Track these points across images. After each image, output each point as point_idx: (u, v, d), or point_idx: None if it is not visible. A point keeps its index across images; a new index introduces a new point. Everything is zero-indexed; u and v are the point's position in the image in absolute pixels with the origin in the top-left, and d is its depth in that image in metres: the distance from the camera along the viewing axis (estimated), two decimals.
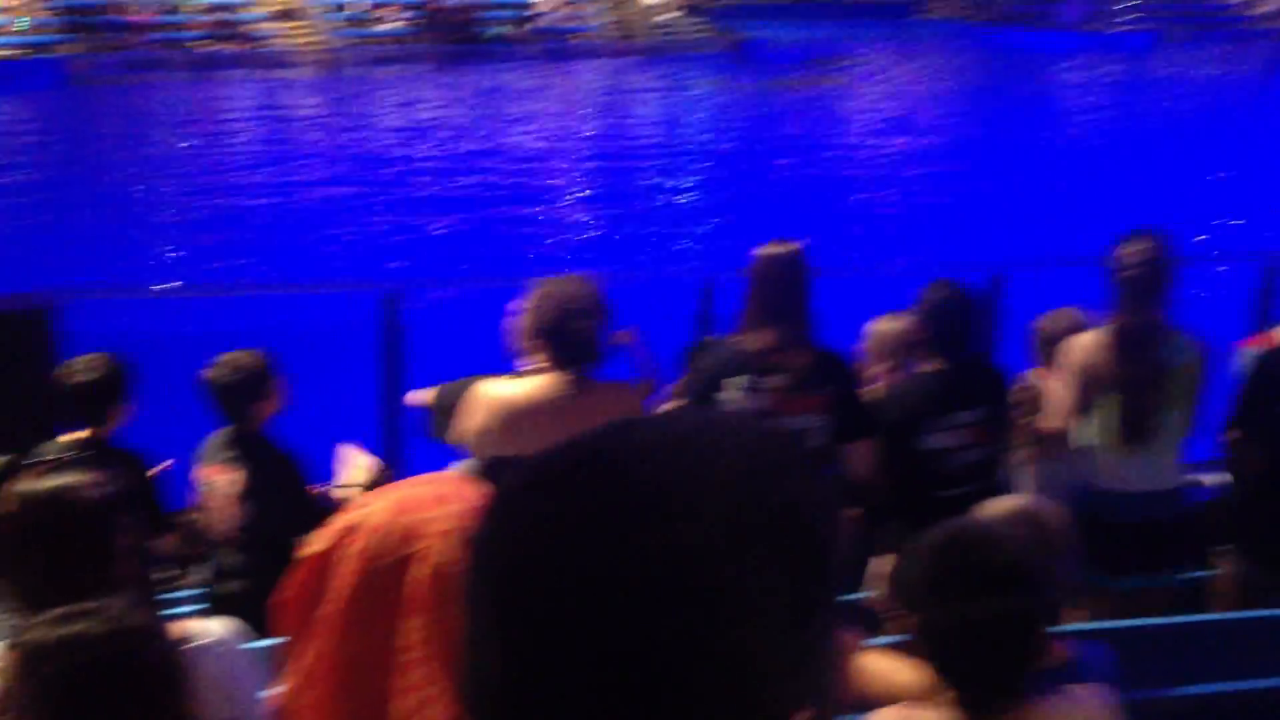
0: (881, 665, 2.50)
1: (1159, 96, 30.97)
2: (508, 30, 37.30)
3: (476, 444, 3.58)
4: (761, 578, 0.75)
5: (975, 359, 4.17)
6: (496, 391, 3.59)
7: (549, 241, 16.33)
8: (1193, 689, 3.26)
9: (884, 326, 4.86)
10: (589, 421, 0.84)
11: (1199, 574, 4.46)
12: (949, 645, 2.01)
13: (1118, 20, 41.21)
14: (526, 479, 0.80)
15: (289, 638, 1.51)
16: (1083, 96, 31.80)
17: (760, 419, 0.87)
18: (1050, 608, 2.03)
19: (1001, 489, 3.92)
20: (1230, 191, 19.14)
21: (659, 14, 39.10)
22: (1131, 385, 4.14)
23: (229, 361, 4.13)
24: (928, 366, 4.17)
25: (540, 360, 3.57)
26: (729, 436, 0.81)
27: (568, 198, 19.35)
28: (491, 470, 2.79)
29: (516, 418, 3.52)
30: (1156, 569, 4.23)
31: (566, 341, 3.52)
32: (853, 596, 3.38)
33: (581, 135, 25.35)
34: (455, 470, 3.48)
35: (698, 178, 20.87)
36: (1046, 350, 4.57)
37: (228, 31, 34.98)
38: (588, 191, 19.78)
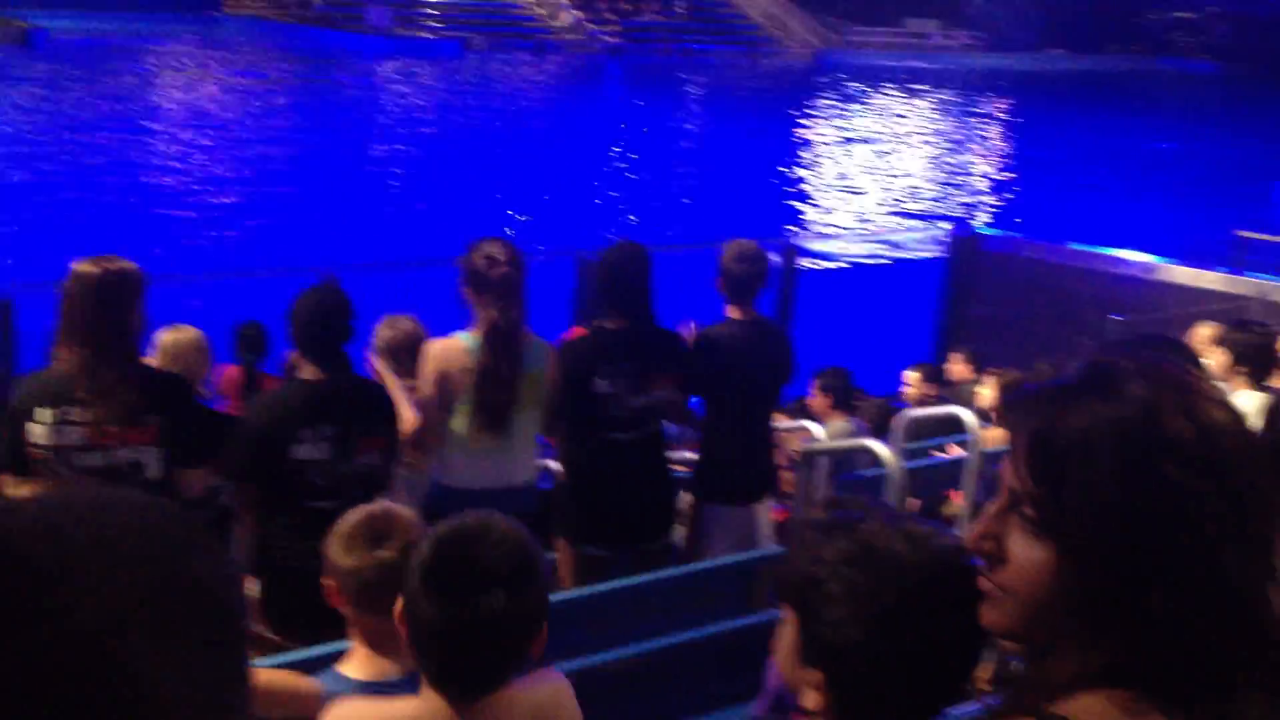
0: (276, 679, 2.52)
1: (466, 100, 32.85)
2: None
3: None
4: (169, 654, 0.74)
5: (349, 368, 4.14)
6: None
7: None
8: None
9: (172, 337, 4.78)
10: None
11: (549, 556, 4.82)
12: (435, 644, 2.01)
13: (425, 26, 43.03)
14: None
15: None
16: (393, 99, 32.94)
17: (150, 493, 0.84)
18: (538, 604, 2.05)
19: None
20: (540, 192, 20.77)
21: None
22: (490, 385, 4.35)
23: None
24: (305, 375, 4.09)
25: None
26: (123, 515, 0.78)
27: None
28: None
29: None
30: None
31: None
32: None
33: None
34: None
35: None
36: (390, 356, 4.70)
37: None
38: None
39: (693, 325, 5.14)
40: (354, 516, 2.63)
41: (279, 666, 3.39)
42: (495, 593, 1.95)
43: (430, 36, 42.18)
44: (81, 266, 3.68)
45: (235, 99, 29.84)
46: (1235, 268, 11.48)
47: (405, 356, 4.67)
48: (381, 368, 4.65)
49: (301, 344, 4.07)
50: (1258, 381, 5.42)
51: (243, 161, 21.98)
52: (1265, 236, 13.05)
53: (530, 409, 4.52)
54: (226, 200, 18.87)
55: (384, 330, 4.84)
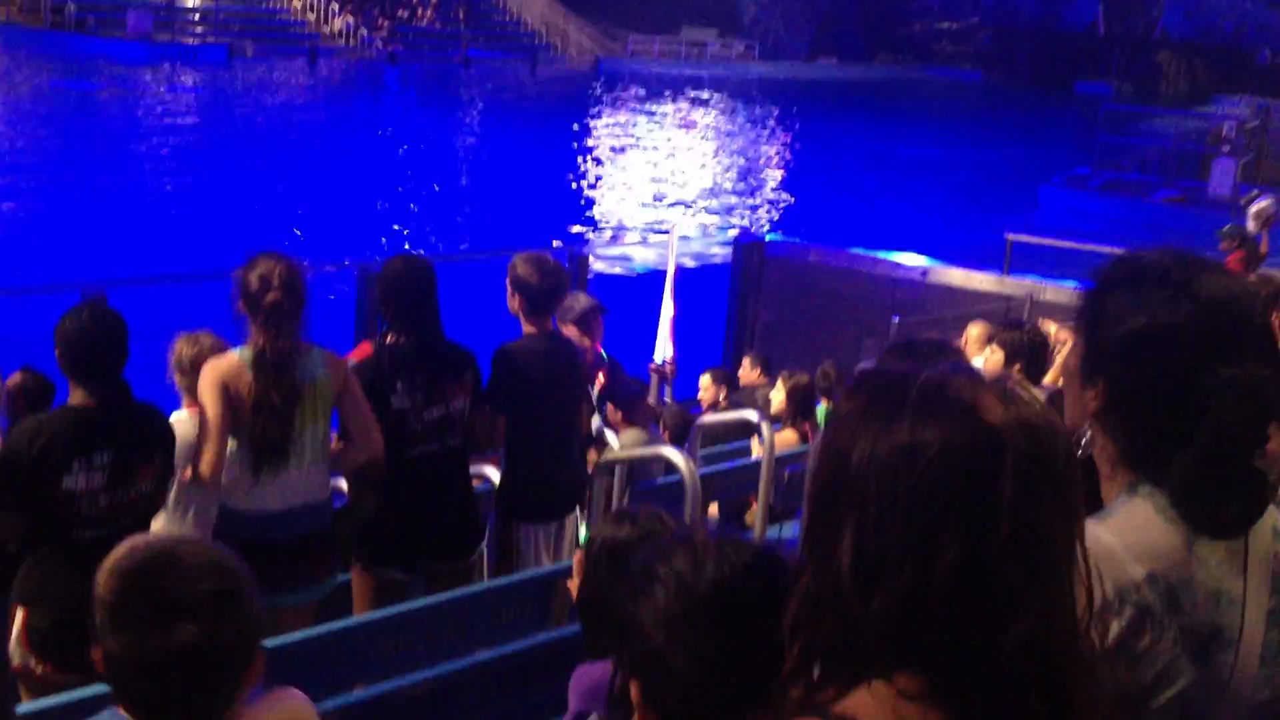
0: None
1: (234, 108, 31.96)
2: None
3: None
4: None
5: (122, 393, 3.94)
6: None
7: None
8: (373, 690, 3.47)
9: None
10: None
11: (344, 577, 4.71)
12: (126, 679, 1.95)
13: (187, 32, 41.65)
14: None
15: None
16: (155, 106, 31.81)
17: None
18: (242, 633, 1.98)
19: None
20: (318, 201, 20.34)
21: None
22: (269, 406, 4.23)
23: None
24: (74, 400, 3.89)
25: None
26: None
27: None
28: None
29: None
30: (316, 581, 4.39)
31: None
32: None
33: None
34: None
35: None
36: (185, 374, 4.52)
37: None
38: None
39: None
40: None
41: (56, 707, 3.23)
42: (184, 625, 1.90)
43: (193, 42, 40.83)
44: None
45: None
46: (1005, 270, 12.07)
47: None
48: (188, 400, 4.48)
49: (69, 367, 3.88)
50: (1031, 379, 5.68)
51: None
52: (1032, 239, 13.76)
53: (313, 424, 4.40)
54: None
55: (184, 347, 4.62)
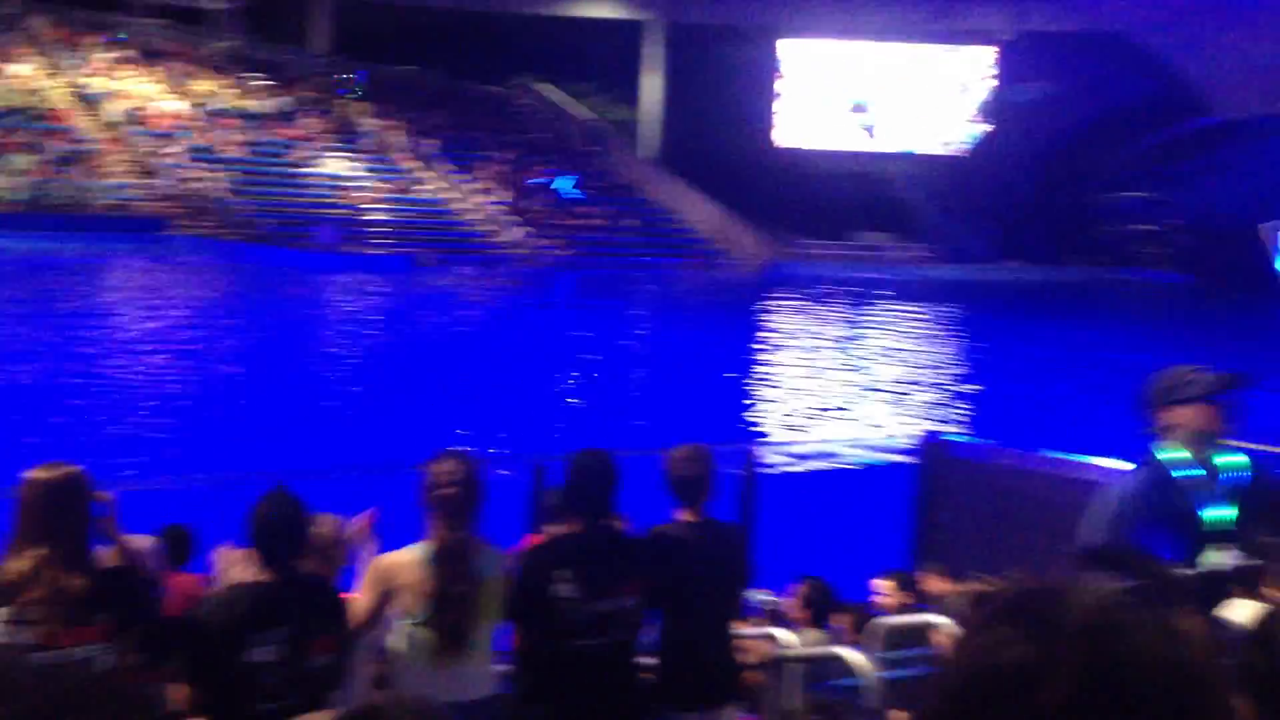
0: None
1: (422, 309, 33.41)
2: None
3: None
4: None
5: (298, 571, 4.26)
6: None
7: None
8: None
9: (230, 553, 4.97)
10: None
11: None
12: None
13: (371, 244, 43.95)
14: None
15: None
16: (350, 307, 33.50)
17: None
18: None
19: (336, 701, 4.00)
20: (495, 397, 20.91)
21: None
22: (446, 600, 4.41)
23: None
24: (256, 577, 4.21)
25: None
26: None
27: None
28: None
29: None
30: None
31: None
32: None
33: None
34: None
35: None
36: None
37: None
38: None
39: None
40: None
41: None
42: None
43: (379, 253, 43.01)
44: (33, 473, 4.01)
45: (186, 312, 30.22)
46: None
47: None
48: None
49: (258, 545, 4.24)
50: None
51: (196, 371, 22.17)
52: (1250, 445, 13.18)
53: (487, 620, 4.59)
54: (170, 404, 18.88)
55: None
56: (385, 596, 4.51)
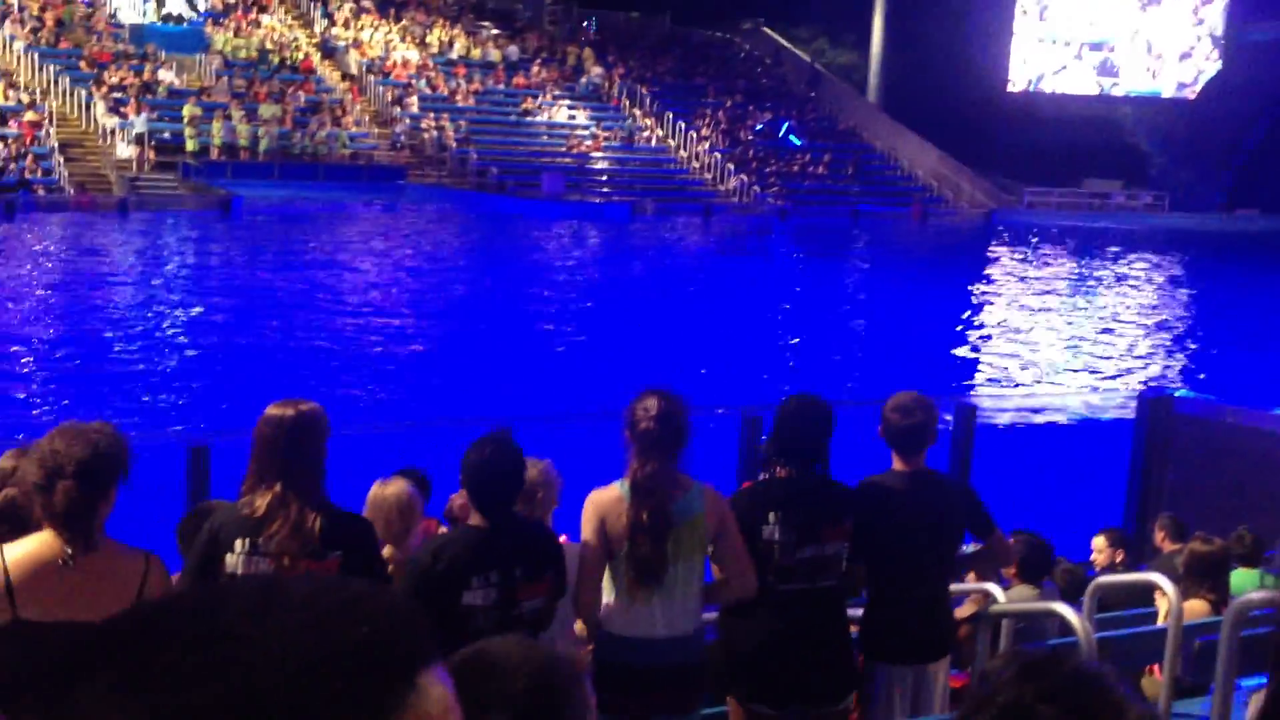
0: None
1: (639, 258, 33.72)
2: None
3: None
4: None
5: (514, 516, 4.29)
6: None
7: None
8: None
9: (377, 491, 5.06)
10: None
11: (717, 709, 4.77)
12: None
13: (595, 192, 44.47)
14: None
15: None
16: (569, 255, 34.07)
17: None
18: None
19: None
20: (709, 343, 21.03)
21: (128, 169, 37.63)
22: (640, 533, 4.43)
23: None
24: (472, 522, 4.26)
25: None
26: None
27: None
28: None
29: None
30: (682, 711, 4.48)
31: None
32: None
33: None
34: None
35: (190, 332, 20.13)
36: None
37: None
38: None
39: None
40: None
41: None
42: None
43: (599, 201, 43.52)
44: (274, 409, 4.04)
45: (416, 257, 31.25)
46: None
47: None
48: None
49: (472, 491, 4.25)
50: None
51: (424, 316, 22.95)
52: None
53: (688, 558, 4.56)
54: (403, 352, 19.61)
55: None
56: (603, 527, 4.51)
